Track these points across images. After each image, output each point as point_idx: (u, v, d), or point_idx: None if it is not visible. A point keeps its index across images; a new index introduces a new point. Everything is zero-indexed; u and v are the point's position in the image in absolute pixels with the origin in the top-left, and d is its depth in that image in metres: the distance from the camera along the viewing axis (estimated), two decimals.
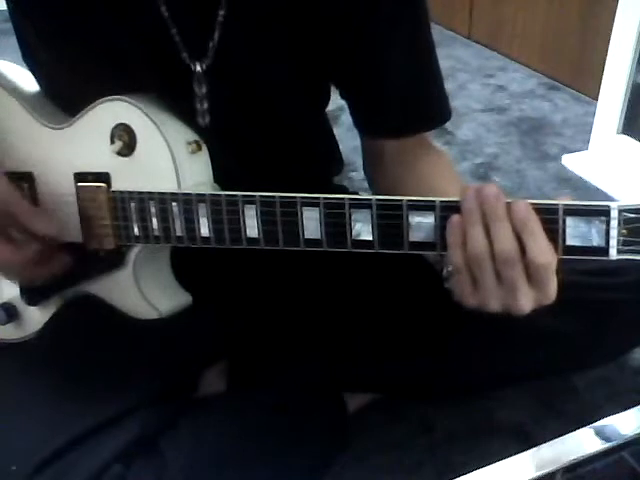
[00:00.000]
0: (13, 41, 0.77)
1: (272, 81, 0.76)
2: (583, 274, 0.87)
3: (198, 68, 0.72)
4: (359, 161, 0.91)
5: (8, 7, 0.73)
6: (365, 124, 0.84)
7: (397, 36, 0.76)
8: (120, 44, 0.71)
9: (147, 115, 0.68)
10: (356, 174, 0.89)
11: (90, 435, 0.71)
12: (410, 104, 0.81)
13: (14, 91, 0.76)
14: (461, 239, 0.58)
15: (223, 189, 0.70)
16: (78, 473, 0.69)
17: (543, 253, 0.56)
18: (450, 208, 0.59)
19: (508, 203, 0.57)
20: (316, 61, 0.76)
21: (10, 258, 0.69)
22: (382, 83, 0.79)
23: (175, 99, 0.71)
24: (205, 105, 0.73)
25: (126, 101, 0.69)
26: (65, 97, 0.76)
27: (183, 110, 0.72)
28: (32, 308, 0.80)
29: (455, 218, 0.58)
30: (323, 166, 0.90)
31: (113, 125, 0.69)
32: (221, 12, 0.70)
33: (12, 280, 0.77)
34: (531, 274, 0.58)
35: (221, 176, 0.72)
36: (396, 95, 0.80)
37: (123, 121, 0.69)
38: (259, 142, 0.80)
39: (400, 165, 0.83)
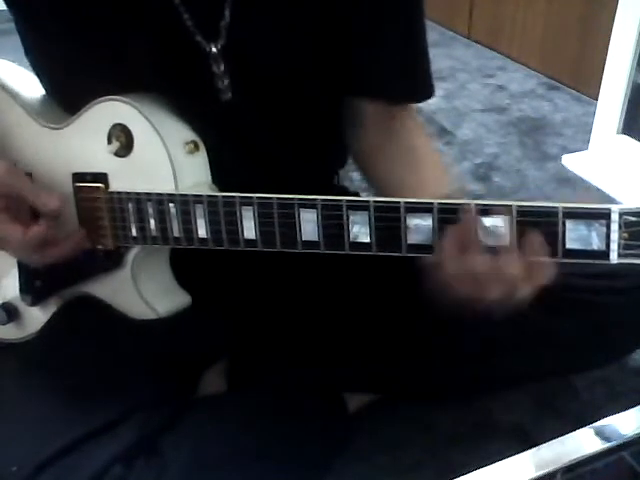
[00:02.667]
0: (13, 41, 0.77)
1: (284, 60, 0.75)
2: (584, 277, 0.87)
3: (213, 49, 0.71)
4: None
5: (7, 4, 0.73)
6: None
7: (393, 16, 0.77)
8: (124, 38, 0.70)
9: (144, 115, 0.68)
10: (356, 174, 0.89)
11: (91, 436, 0.71)
12: (399, 71, 0.81)
13: (13, 91, 0.76)
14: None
15: (224, 183, 0.70)
16: (79, 474, 0.69)
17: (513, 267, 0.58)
18: (448, 210, 0.58)
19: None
20: (324, 40, 0.76)
21: (20, 237, 0.68)
22: (374, 51, 0.79)
23: (191, 84, 0.71)
24: (226, 82, 0.73)
25: (123, 101, 0.68)
26: (68, 95, 0.76)
27: (201, 93, 0.72)
28: (32, 308, 0.80)
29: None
30: (330, 158, 0.90)
31: (110, 125, 0.69)
32: None
33: (26, 261, 0.75)
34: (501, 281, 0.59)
35: (226, 168, 0.71)
36: (386, 61, 0.80)
37: (120, 121, 0.69)
38: (272, 128, 0.78)
39: (380, 133, 0.83)
